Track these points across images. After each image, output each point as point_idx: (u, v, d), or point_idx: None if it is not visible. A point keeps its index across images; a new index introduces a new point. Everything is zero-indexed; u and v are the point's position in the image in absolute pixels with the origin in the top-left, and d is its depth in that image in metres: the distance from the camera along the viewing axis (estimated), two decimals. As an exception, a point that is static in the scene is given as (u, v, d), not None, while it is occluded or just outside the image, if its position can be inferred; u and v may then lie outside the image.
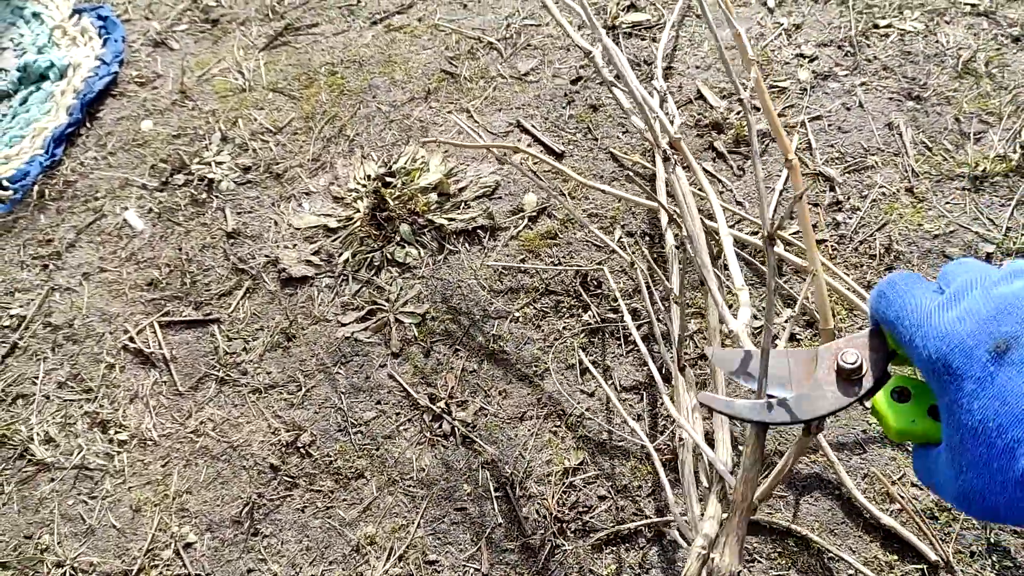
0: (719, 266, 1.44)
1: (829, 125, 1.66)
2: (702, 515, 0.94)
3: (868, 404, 0.54)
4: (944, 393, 0.45)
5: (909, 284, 0.49)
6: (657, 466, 1.21)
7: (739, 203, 1.59)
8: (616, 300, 1.50)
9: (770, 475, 0.91)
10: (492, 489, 1.37)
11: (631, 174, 1.67)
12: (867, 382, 0.53)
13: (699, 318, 1.46)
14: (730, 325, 0.91)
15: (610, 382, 1.43)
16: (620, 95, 1.42)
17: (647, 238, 1.58)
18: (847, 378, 0.53)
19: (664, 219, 1.36)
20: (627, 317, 1.38)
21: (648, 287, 1.44)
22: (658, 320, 1.43)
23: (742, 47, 0.84)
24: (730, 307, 1.25)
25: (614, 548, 1.29)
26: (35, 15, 2.29)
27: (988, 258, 1.44)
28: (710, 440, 1.13)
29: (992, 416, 0.42)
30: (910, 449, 1.29)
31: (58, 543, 1.43)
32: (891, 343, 0.53)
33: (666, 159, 0.99)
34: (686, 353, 1.31)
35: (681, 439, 1.10)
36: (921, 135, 1.61)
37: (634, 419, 1.39)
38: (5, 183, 1.90)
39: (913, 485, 1.27)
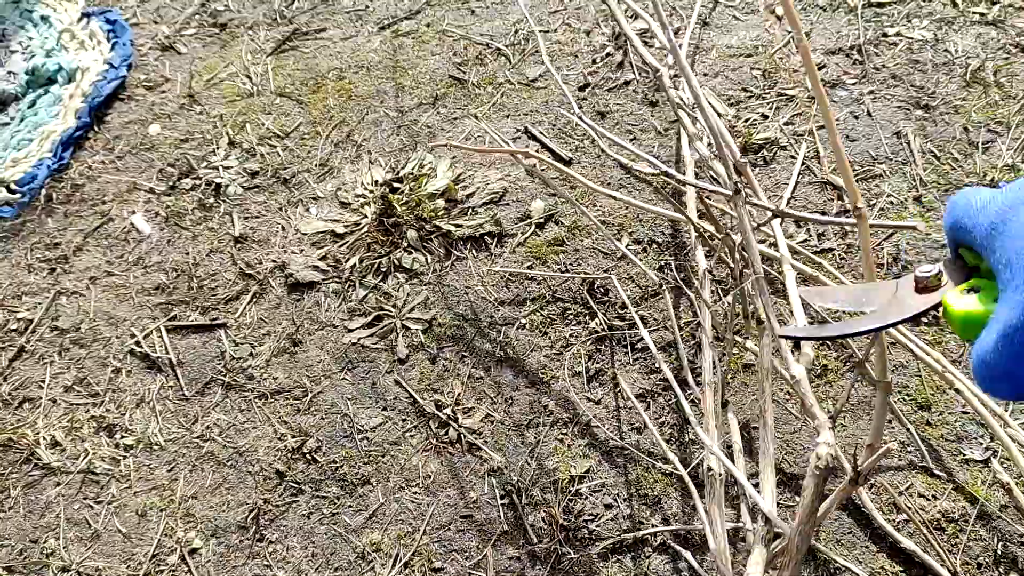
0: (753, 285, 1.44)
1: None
2: (732, 549, 0.92)
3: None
4: (1003, 248, 0.45)
5: (971, 189, 0.50)
6: (695, 497, 1.20)
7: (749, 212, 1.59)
8: (625, 307, 1.50)
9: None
10: (498, 496, 1.37)
11: (657, 187, 1.67)
12: (946, 289, 0.53)
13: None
14: (792, 370, 0.89)
15: (617, 389, 1.43)
16: (685, 118, 1.40)
17: (655, 245, 1.58)
18: (925, 288, 0.54)
19: (693, 235, 1.35)
20: (641, 328, 1.38)
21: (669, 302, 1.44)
22: (684, 344, 1.42)
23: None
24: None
25: (620, 557, 1.29)
26: (44, 18, 2.29)
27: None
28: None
29: None
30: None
31: (64, 547, 1.43)
32: (969, 258, 0.53)
33: (737, 192, 0.97)
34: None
35: (710, 468, 1.09)
36: (929, 144, 1.61)
37: (640, 428, 1.39)
38: (13, 186, 1.91)
39: (920, 496, 1.27)
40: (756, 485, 1.13)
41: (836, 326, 0.58)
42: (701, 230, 1.30)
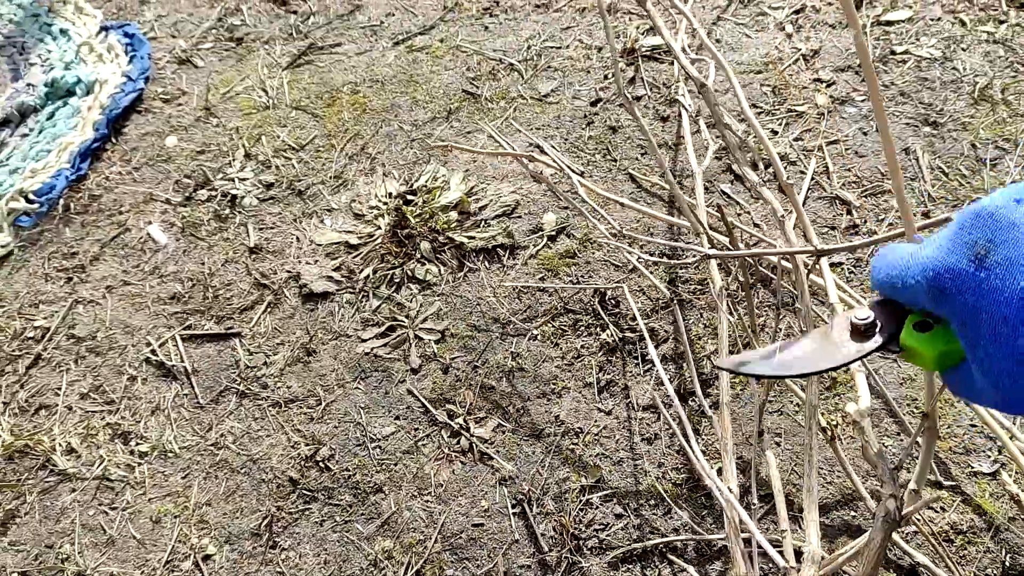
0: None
1: (846, 149, 1.68)
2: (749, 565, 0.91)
3: (897, 349, 0.54)
4: (952, 315, 0.46)
5: (893, 246, 0.51)
6: (723, 505, 1.21)
7: (756, 225, 1.61)
8: (635, 319, 1.52)
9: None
10: (509, 505, 1.38)
11: (669, 199, 1.68)
12: (883, 334, 0.54)
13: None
14: (851, 409, 0.88)
15: (628, 400, 1.44)
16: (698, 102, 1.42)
17: (667, 258, 1.59)
18: (862, 333, 0.54)
19: (705, 245, 1.36)
20: (649, 343, 1.39)
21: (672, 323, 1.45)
22: (693, 357, 1.44)
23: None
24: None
25: (630, 566, 1.30)
26: (63, 32, 2.33)
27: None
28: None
29: (1000, 319, 0.42)
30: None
31: (79, 553, 1.44)
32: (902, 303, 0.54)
33: (821, 254, 0.96)
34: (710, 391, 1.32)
35: (727, 505, 1.08)
36: (937, 160, 1.63)
37: (650, 439, 1.40)
38: (31, 196, 1.94)
39: (929, 508, 1.27)
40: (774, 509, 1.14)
41: (776, 364, 0.57)
42: (710, 236, 1.31)
